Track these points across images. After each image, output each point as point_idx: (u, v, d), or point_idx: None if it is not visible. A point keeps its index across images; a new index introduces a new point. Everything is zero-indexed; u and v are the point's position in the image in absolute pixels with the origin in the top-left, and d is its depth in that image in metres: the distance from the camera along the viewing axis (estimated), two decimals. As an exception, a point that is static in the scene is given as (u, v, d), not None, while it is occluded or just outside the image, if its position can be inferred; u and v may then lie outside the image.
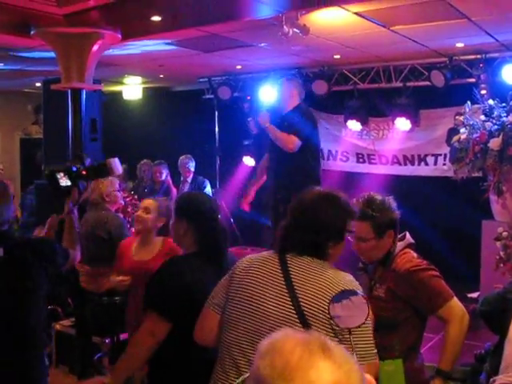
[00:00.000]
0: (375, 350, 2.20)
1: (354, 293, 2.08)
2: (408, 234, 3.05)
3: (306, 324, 2.15)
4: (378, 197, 2.91)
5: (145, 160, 8.63)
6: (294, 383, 1.02)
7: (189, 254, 2.89)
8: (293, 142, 5.64)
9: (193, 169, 8.34)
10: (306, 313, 2.17)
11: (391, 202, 2.93)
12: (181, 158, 8.35)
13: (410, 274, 2.84)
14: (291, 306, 2.19)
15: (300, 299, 2.19)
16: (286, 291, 2.22)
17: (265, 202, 6.34)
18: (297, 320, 2.17)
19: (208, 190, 8.41)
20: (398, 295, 2.86)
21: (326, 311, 2.09)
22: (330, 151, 9.10)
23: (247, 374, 1.17)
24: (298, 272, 2.26)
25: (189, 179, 8.35)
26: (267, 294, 2.25)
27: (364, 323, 2.04)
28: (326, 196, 2.40)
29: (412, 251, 2.98)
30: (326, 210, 2.33)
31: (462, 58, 7.27)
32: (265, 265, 2.34)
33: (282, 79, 6.27)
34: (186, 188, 8.27)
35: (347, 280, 2.27)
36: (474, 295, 6.52)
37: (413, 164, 8.27)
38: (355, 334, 2.08)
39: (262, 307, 2.24)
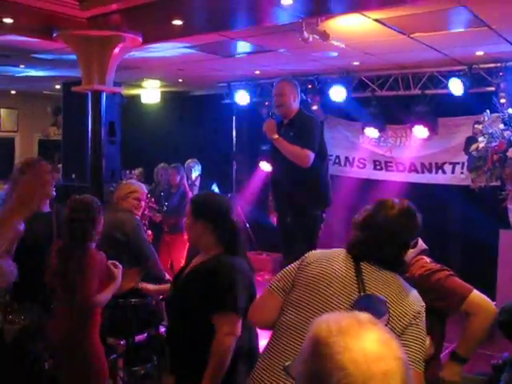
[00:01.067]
0: (419, 359, 2.18)
1: (375, 298, 2.09)
2: (420, 240, 3.01)
3: None
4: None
5: (162, 164, 8.67)
6: (348, 338, 1.12)
7: (222, 253, 2.92)
8: (307, 157, 4.95)
9: (198, 172, 8.39)
10: None
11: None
12: (187, 162, 8.41)
13: (425, 278, 2.84)
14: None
15: None
16: (357, 291, 2.26)
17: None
18: None
19: (216, 192, 8.42)
20: None
21: (396, 319, 2.17)
22: (347, 158, 9.09)
23: (288, 362, 1.27)
24: (371, 275, 2.30)
25: (197, 182, 8.39)
26: (339, 289, 2.28)
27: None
28: (408, 212, 2.46)
29: (425, 257, 2.97)
30: (407, 227, 2.43)
31: (481, 66, 7.23)
32: (339, 262, 2.38)
33: (279, 81, 5.32)
34: (196, 190, 8.31)
35: (413, 295, 2.33)
36: (491, 305, 6.46)
37: (430, 172, 8.23)
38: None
39: (331, 299, 2.27)
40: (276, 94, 5.19)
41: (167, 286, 3.87)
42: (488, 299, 2.84)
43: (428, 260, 2.96)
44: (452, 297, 2.82)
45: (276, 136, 5.04)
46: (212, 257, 2.92)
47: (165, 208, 7.69)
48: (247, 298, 2.80)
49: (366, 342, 1.11)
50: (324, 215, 5.20)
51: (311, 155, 4.95)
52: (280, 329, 2.35)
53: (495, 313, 2.79)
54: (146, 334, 4.93)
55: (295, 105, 5.17)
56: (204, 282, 2.82)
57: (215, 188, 8.44)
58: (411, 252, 2.93)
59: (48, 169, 4.13)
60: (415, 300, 2.32)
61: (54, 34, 5.49)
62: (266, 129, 5.13)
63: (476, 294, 2.82)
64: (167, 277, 5.39)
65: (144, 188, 5.15)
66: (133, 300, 4.51)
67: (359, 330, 1.14)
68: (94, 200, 3.72)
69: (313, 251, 2.54)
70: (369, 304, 2.11)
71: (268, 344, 2.40)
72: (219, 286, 2.78)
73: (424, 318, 2.29)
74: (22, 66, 8.31)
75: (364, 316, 1.20)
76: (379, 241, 2.37)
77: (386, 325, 2.03)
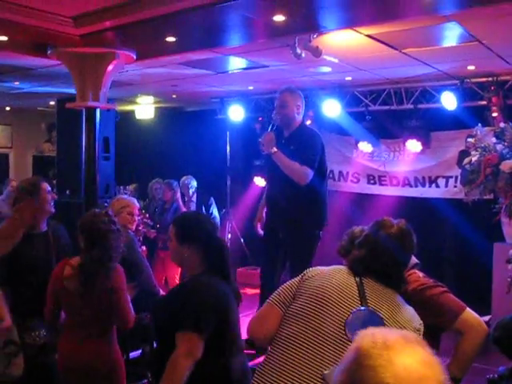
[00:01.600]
0: None
1: (372, 314, 2.10)
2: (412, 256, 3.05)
3: None
4: (357, 229, 2.90)
5: (156, 179, 8.68)
6: (393, 352, 1.11)
7: (203, 273, 2.85)
8: (305, 174, 4.79)
9: (194, 189, 8.38)
10: None
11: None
12: (182, 179, 8.40)
13: (418, 293, 2.82)
14: None
15: None
16: (359, 303, 2.29)
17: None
18: None
19: (214, 207, 8.44)
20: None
21: None
22: (340, 172, 9.12)
23: (327, 371, 1.27)
24: (372, 294, 2.34)
25: (193, 198, 8.39)
26: (341, 301, 2.31)
27: None
28: (406, 232, 2.55)
29: (417, 271, 2.96)
30: (405, 245, 2.52)
31: (473, 80, 7.29)
32: (341, 277, 2.41)
33: (283, 90, 5.08)
34: (192, 207, 8.31)
35: (414, 314, 2.39)
36: (486, 319, 6.42)
37: (424, 186, 8.26)
38: None
39: (335, 312, 2.29)
40: (278, 105, 5.03)
41: None
42: (479, 318, 2.82)
43: (421, 275, 2.95)
44: (445, 314, 2.81)
45: (275, 150, 4.86)
46: (191, 277, 2.88)
47: (158, 225, 7.68)
48: (216, 320, 2.69)
49: (410, 359, 1.10)
50: (321, 234, 5.11)
51: (310, 173, 4.81)
52: (279, 341, 2.36)
53: (486, 332, 2.77)
54: (140, 351, 4.92)
55: (298, 117, 5.03)
56: (175, 301, 2.78)
57: (212, 203, 8.45)
58: None
59: (48, 188, 4.18)
60: (414, 318, 2.35)
61: (49, 51, 5.51)
62: (265, 141, 4.94)
63: (469, 312, 2.81)
64: (161, 292, 5.38)
65: (136, 202, 5.17)
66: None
67: (404, 346, 1.13)
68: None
69: (314, 267, 2.56)
70: (365, 319, 2.12)
71: (266, 357, 2.39)
72: (186, 304, 2.69)
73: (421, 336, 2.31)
74: (16, 83, 8.33)
75: (411, 334, 1.20)
76: (380, 258, 2.43)
77: None
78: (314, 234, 5.05)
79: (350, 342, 2.10)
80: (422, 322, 2.37)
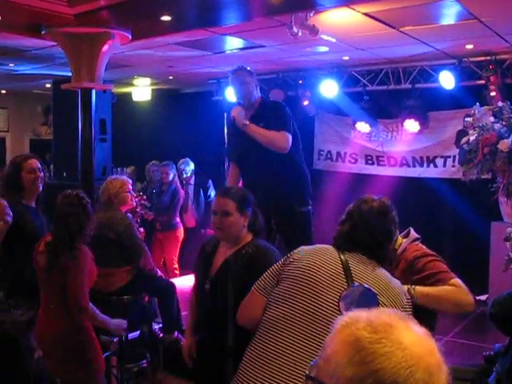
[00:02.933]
0: None
1: (365, 290, 2.10)
2: (412, 230, 3.04)
3: None
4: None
5: (153, 161, 8.66)
6: (398, 332, 1.05)
7: (254, 239, 3.14)
8: (286, 140, 4.58)
9: (189, 173, 8.34)
10: None
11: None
12: (178, 162, 8.37)
13: (416, 259, 2.85)
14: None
15: None
16: (346, 282, 2.28)
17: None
18: None
19: (212, 190, 8.43)
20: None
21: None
22: (338, 153, 9.10)
23: (312, 362, 1.14)
24: (358, 267, 2.35)
25: (192, 181, 8.37)
26: (327, 281, 2.30)
27: None
28: (385, 206, 2.58)
29: (420, 244, 2.97)
30: (384, 218, 2.53)
31: (471, 59, 7.25)
32: (325, 255, 2.41)
33: (237, 69, 4.88)
34: (191, 190, 8.30)
35: (401, 286, 2.40)
36: (483, 297, 6.49)
37: (421, 166, 8.25)
38: None
39: (321, 293, 2.28)
40: (238, 84, 4.83)
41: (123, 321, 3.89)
42: (467, 290, 2.78)
43: (423, 246, 2.95)
44: (435, 275, 2.78)
45: (246, 122, 4.63)
46: (247, 243, 3.10)
47: (157, 205, 7.68)
48: None
49: (416, 334, 1.06)
50: (311, 209, 4.89)
51: (289, 136, 4.61)
52: (264, 324, 2.36)
53: (471, 303, 2.74)
54: (138, 332, 4.94)
55: (257, 94, 4.84)
56: (248, 265, 2.97)
57: (211, 185, 8.44)
58: (404, 241, 2.95)
59: (32, 166, 4.23)
60: (402, 293, 2.36)
61: (43, 32, 5.46)
62: (236, 115, 4.69)
63: (458, 281, 2.78)
64: (159, 273, 5.39)
65: (127, 178, 5.21)
66: (125, 297, 4.50)
67: (402, 324, 1.07)
68: (86, 196, 3.71)
69: (302, 248, 2.56)
70: (360, 295, 2.12)
71: (253, 341, 2.39)
72: (268, 265, 2.72)
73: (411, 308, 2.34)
74: (11, 65, 8.27)
75: (392, 311, 1.14)
76: (362, 232, 2.45)
77: None
78: (304, 211, 4.84)
79: None
80: (409, 299, 2.37)
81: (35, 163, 4.23)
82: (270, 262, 2.77)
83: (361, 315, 1.10)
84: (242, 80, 4.78)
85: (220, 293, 3.05)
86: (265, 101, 4.96)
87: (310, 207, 4.89)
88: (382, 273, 2.38)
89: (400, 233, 2.99)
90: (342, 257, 2.38)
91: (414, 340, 1.04)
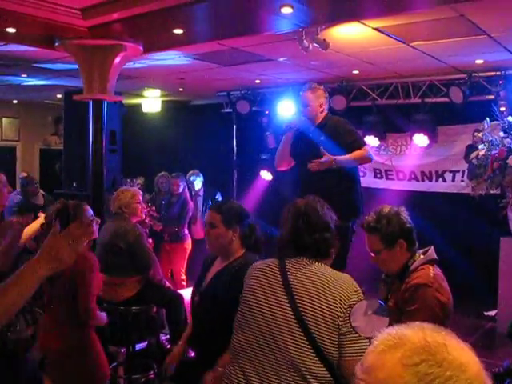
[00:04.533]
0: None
1: (375, 303, 2.10)
2: (432, 249, 3.00)
3: (302, 323, 2.24)
4: (386, 208, 2.96)
5: (162, 172, 8.68)
6: (449, 354, 0.98)
7: (245, 254, 3.12)
8: (368, 154, 4.88)
9: (199, 184, 8.37)
10: (302, 312, 2.26)
11: (400, 212, 2.97)
12: (188, 174, 8.40)
13: (416, 289, 2.80)
14: (290, 309, 2.30)
15: (298, 302, 2.29)
16: (285, 295, 2.33)
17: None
18: (295, 322, 2.26)
19: (220, 201, 8.45)
20: (399, 308, 2.82)
21: (325, 312, 2.21)
22: (347, 166, 9.09)
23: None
24: (296, 275, 2.38)
25: (200, 192, 8.39)
26: (268, 299, 2.37)
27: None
28: (316, 201, 2.62)
29: (432, 268, 2.90)
30: (318, 213, 2.54)
31: (481, 74, 7.25)
32: (266, 270, 2.48)
33: (305, 89, 4.97)
34: (200, 201, 8.32)
35: (344, 280, 2.36)
36: (492, 313, 6.46)
37: (430, 180, 8.24)
38: (349, 342, 2.14)
39: (264, 312, 2.35)
40: (301, 105, 4.96)
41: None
42: None
43: (432, 273, 2.87)
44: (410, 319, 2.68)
45: (333, 158, 4.64)
46: (237, 258, 3.10)
47: (165, 216, 7.71)
48: None
49: (467, 352, 1.00)
50: (354, 227, 4.75)
51: (368, 149, 4.98)
52: (235, 349, 2.44)
53: None
54: (146, 342, 4.95)
55: (322, 114, 4.91)
56: (236, 285, 2.87)
57: (220, 197, 8.46)
58: (419, 259, 2.93)
59: (3, 180, 4.15)
60: (347, 286, 2.33)
61: (56, 44, 5.51)
62: (324, 163, 4.65)
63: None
64: (167, 285, 5.41)
65: (138, 190, 5.26)
66: (133, 308, 4.52)
67: (454, 342, 1.01)
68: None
69: (254, 263, 2.64)
70: (368, 308, 2.12)
71: (228, 367, 2.47)
72: None
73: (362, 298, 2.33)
74: (23, 76, 8.35)
75: (433, 328, 1.05)
76: (295, 232, 2.50)
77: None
78: (347, 226, 4.66)
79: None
80: (358, 290, 2.35)
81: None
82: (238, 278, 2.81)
83: (407, 334, 1.02)
84: (304, 102, 4.88)
85: (207, 306, 3.12)
86: (330, 116, 5.01)
87: (350, 223, 4.71)
88: (323, 273, 2.37)
89: (419, 249, 3.00)
90: (282, 267, 2.43)
91: (469, 359, 0.99)
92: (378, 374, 0.99)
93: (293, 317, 2.26)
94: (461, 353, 0.98)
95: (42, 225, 3.80)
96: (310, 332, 2.21)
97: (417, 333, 1.01)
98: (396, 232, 2.90)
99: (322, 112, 4.89)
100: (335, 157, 4.64)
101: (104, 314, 3.73)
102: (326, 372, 2.21)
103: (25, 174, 8.51)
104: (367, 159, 4.99)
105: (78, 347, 3.49)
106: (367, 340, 2.23)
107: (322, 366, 2.20)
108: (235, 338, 2.44)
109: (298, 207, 2.58)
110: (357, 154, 4.75)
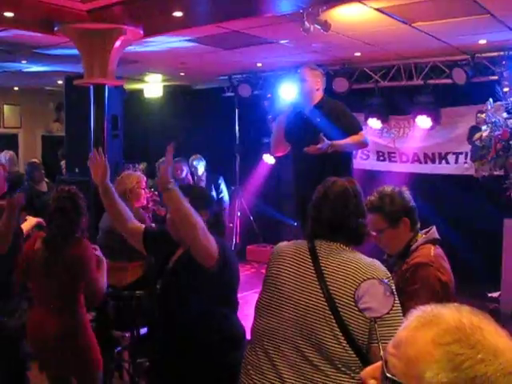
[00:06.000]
0: None
1: (380, 282, 2.09)
2: (434, 229, 2.98)
3: (335, 311, 2.20)
4: (389, 188, 2.94)
5: (164, 157, 8.67)
6: (484, 338, 0.95)
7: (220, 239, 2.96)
8: (364, 137, 4.86)
9: (203, 168, 8.35)
10: (335, 299, 2.22)
11: (403, 191, 2.94)
12: (191, 158, 8.38)
13: (416, 268, 2.77)
14: (321, 293, 2.25)
15: (330, 286, 2.25)
16: (316, 279, 2.28)
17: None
18: (326, 307, 2.22)
19: (223, 186, 8.45)
20: (400, 288, 2.73)
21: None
22: (350, 149, 9.08)
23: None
24: (327, 260, 2.32)
25: (203, 177, 8.38)
26: (297, 282, 2.31)
27: (388, 313, 2.04)
28: (351, 185, 2.51)
29: (433, 247, 2.88)
30: (353, 196, 2.45)
31: (484, 55, 7.20)
32: (295, 253, 2.41)
33: (303, 68, 4.95)
34: (203, 186, 8.31)
35: (376, 266, 2.33)
36: (495, 295, 6.46)
37: (433, 162, 8.22)
38: (380, 324, 2.09)
39: (293, 296, 2.29)
40: (298, 80, 4.97)
41: None
42: None
43: (433, 252, 2.84)
44: (415, 296, 2.62)
45: (330, 143, 4.53)
46: None
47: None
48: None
49: (506, 339, 0.97)
50: None
51: (364, 133, 4.98)
52: (257, 334, 2.39)
53: None
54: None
55: (318, 93, 4.88)
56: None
57: (222, 182, 8.45)
58: (421, 239, 2.91)
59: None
60: (380, 268, 2.32)
61: (55, 28, 5.49)
62: (322, 148, 4.51)
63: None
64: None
65: (141, 176, 5.24)
66: (137, 292, 4.52)
67: (492, 327, 0.97)
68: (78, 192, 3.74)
69: (279, 244, 2.57)
70: (370, 287, 2.10)
71: (248, 349, 2.44)
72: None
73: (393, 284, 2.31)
74: (24, 62, 8.31)
75: (472, 310, 1.01)
76: (327, 215, 2.43)
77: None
78: None
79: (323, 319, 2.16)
80: (389, 277, 2.33)
81: None
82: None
83: (443, 313, 1.00)
84: (302, 76, 4.89)
85: (167, 294, 2.98)
86: (325, 99, 4.98)
87: None
88: (355, 257, 2.34)
89: (422, 229, 2.98)
90: (312, 250, 2.37)
91: (505, 345, 0.96)
92: (409, 350, 0.99)
93: (324, 303, 2.22)
94: (497, 338, 0.96)
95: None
96: (342, 319, 2.18)
97: (453, 313, 0.99)
98: (400, 210, 2.88)
99: (318, 91, 4.87)
100: (332, 142, 4.55)
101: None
102: (356, 359, 2.19)
103: (35, 161, 8.49)
104: (364, 144, 5.02)
105: (72, 334, 3.49)
106: (398, 327, 2.21)
107: (353, 353, 2.18)
108: (258, 322, 2.38)
109: (342, 187, 2.48)
110: (354, 138, 4.74)
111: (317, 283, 2.27)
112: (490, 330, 0.96)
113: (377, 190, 2.97)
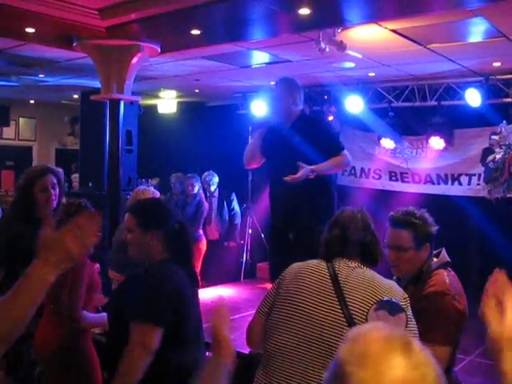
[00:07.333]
0: None
1: (392, 303, 2.10)
2: (444, 252, 2.96)
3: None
4: (415, 209, 2.92)
5: (176, 173, 8.72)
6: (365, 371, 1.02)
7: (163, 260, 2.69)
8: (347, 160, 4.51)
9: (215, 184, 8.38)
10: (354, 317, 2.23)
11: (428, 216, 2.92)
12: (204, 174, 8.42)
13: (433, 297, 2.73)
14: (340, 311, 2.26)
15: (349, 304, 2.26)
16: (335, 297, 2.29)
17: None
18: (345, 325, 2.22)
19: (235, 202, 8.48)
20: (415, 315, 2.75)
21: None
22: (362, 169, 9.08)
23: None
24: (347, 278, 2.34)
25: (215, 193, 8.41)
26: (316, 300, 2.32)
27: None
28: (362, 210, 2.62)
29: (446, 272, 2.86)
30: (367, 219, 2.53)
31: (498, 77, 7.21)
32: (313, 271, 2.42)
33: (278, 82, 4.58)
34: (215, 202, 8.35)
35: (394, 287, 2.35)
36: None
37: (446, 183, 8.20)
38: None
39: (312, 313, 2.30)
40: (272, 99, 4.62)
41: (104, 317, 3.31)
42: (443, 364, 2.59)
43: (448, 280, 2.81)
44: (428, 330, 2.56)
45: (311, 169, 4.23)
46: (150, 265, 2.72)
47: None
48: (172, 307, 2.55)
49: (403, 372, 1.01)
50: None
51: (347, 153, 4.52)
52: (267, 351, 2.40)
53: None
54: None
55: (296, 108, 4.50)
56: (131, 290, 2.66)
57: (234, 198, 8.48)
58: (433, 263, 2.90)
59: (53, 182, 3.98)
60: (397, 289, 2.35)
61: (74, 44, 5.57)
62: (301, 176, 4.20)
63: (444, 352, 2.62)
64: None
65: (155, 191, 5.28)
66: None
67: (398, 357, 1.02)
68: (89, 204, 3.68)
69: (292, 265, 2.57)
70: (387, 308, 2.11)
71: (260, 369, 2.44)
72: (141, 293, 2.57)
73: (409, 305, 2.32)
74: (41, 75, 8.42)
75: (399, 336, 1.07)
76: (345, 235, 2.47)
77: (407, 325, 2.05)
78: (320, 230, 4.41)
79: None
80: (406, 297, 2.33)
81: (48, 181, 3.88)
82: (151, 288, 2.55)
83: (357, 335, 1.08)
84: (277, 95, 4.52)
85: (110, 320, 2.84)
86: (305, 115, 4.69)
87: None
88: (373, 276, 2.37)
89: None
90: (331, 269, 2.39)
91: (397, 376, 1.00)
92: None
93: (344, 321, 2.23)
94: (393, 369, 1.01)
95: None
96: None
97: (367, 336, 1.08)
98: (428, 234, 2.84)
99: (296, 107, 4.49)
100: (313, 167, 4.23)
101: (103, 315, 3.45)
102: None
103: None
104: (346, 165, 4.65)
105: (72, 348, 3.46)
106: None
107: None
108: (272, 340, 2.37)
109: (350, 211, 2.58)
110: (336, 160, 4.41)
111: (335, 300, 2.29)
112: (391, 359, 1.02)
113: (403, 208, 2.94)
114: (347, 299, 2.26)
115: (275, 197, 4.66)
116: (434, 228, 2.88)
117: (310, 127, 4.50)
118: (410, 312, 2.23)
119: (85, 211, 3.48)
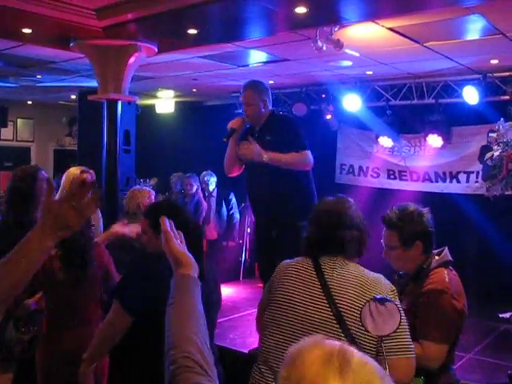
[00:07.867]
0: (410, 347, 2.24)
1: (386, 300, 2.10)
2: (446, 250, 2.95)
3: (344, 325, 2.20)
4: (411, 207, 2.91)
5: (178, 173, 8.72)
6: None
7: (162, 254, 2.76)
8: (307, 159, 4.46)
9: (214, 184, 8.38)
10: (343, 314, 2.22)
11: (424, 213, 2.90)
12: (202, 174, 8.42)
13: (432, 295, 2.74)
14: (329, 308, 2.25)
15: (337, 301, 2.26)
16: (323, 294, 2.29)
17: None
18: (334, 322, 2.23)
19: (233, 201, 8.48)
20: (413, 312, 2.74)
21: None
22: (360, 167, 9.09)
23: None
24: (333, 274, 2.34)
25: (214, 193, 8.41)
26: (304, 298, 2.32)
27: (395, 331, 2.05)
28: (342, 199, 2.57)
29: (446, 271, 2.85)
30: (346, 210, 2.47)
31: (495, 74, 7.21)
32: (300, 270, 2.42)
33: (246, 87, 4.67)
34: (213, 201, 8.34)
35: (380, 281, 2.34)
36: (506, 315, 6.41)
37: (444, 181, 8.21)
38: (387, 338, 2.10)
39: (300, 311, 2.31)
40: (244, 103, 4.71)
41: None
42: (438, 364, 2.64)
43: (447, 278, 2.80)
44: (425, 326, 2.65)
45: (266, 156, 4.33)
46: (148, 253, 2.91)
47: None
48: (144, 299, 2.59)
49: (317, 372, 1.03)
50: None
51: (310, 154, 4.47)
52: (260, 350, 2.42)
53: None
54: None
55: (266, 111, 4.60)
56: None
57: (233, 198, 8.47)
58: (434, 261, 2.90)
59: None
60: (385, 282, 2.34)
61: (71, 44, 5.56)
62: (252, 153, 4.40)
63: (440, 349, 2.64)
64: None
65: (151, 191, 5.27)
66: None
67: (322, 381, 1.02)
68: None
69: (282, 263, 2.57)
70: (374, 308, 2.11)
71: (255, 367, 2.44)
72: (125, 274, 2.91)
73: (397, 298, 2.32)
74: (38, 76, 8.41)
75: (337, 354, 1.05)
76: (326, 230, 2.44)
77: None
78: (302, 225, 4.39)
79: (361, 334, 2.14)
80: (394, 290, 2.34)
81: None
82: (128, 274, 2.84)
83: (292, 360, 1.09)
84: (247, 100, 4.62)
85: None
86: (274, 114, 4.75)
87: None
88: (359, 271, 2.36)
89: (434, 249, 2.95)
90: (317, 267, 2.38)
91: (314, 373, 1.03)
92: None
93: (332, 318, 2.23)
94: (309, 367, 1.04)
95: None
96: (351, 333, 2.19)
97: (307, 344, 1.10)
98: (416, 233, 2.84)
99: (265, 108, 4.58)
100: (268, 153, 4.31)
101: None
102: None
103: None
104: (305, 164, 4.49)
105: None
106: (406, 339, 2.22)
107: None
108: (265, 339, 2.40)
109: (328, 204, 2.54)
110: (293, 155, 4.39)
111: (323, 297, 2.29)
112: (310, 365, 1.04)
113: (399, 206, 2.95)
114: (334, 296, 2.26)
115: (253, 198, 4.82)
116: (426, 226, 2.87)
117: (279, 125, 4.59)
118: (399, 306, 2.22)
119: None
